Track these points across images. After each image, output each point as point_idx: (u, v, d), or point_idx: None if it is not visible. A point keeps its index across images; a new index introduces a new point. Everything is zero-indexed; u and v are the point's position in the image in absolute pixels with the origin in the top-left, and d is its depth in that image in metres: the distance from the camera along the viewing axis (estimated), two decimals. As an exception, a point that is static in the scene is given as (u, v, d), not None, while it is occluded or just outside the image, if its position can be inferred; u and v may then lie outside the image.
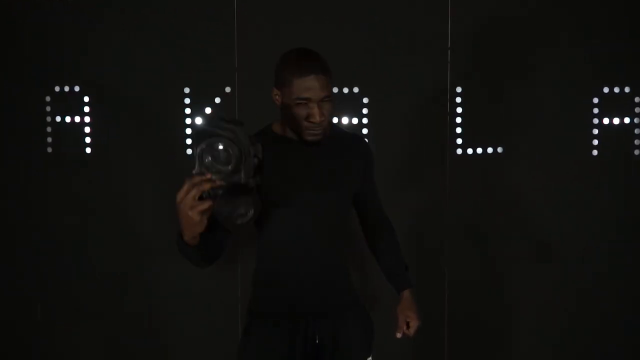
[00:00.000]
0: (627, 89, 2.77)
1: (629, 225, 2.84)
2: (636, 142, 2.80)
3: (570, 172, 2.81)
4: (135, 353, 2.94)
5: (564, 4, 2.76)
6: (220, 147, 1.29)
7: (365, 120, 2.80)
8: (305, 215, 1.68)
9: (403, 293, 1.90)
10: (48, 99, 2.84)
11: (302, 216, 1.68)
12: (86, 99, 2.83)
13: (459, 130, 2.81)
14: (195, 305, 2.87)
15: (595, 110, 2.79)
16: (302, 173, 1.68)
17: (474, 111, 2.80)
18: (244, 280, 2.84)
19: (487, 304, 2.90)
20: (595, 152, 2.80)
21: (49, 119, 2.85)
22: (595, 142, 2.80)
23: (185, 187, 1.28)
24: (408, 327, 1.87)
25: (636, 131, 2.79)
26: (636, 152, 2.80)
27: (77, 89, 2.83)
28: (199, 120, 2.80)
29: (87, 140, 2.85)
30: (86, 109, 2.84)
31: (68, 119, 2.85)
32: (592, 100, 2.78)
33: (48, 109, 2.85)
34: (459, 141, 2.81)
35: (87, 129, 2.85)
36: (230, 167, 1.30)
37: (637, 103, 2.78)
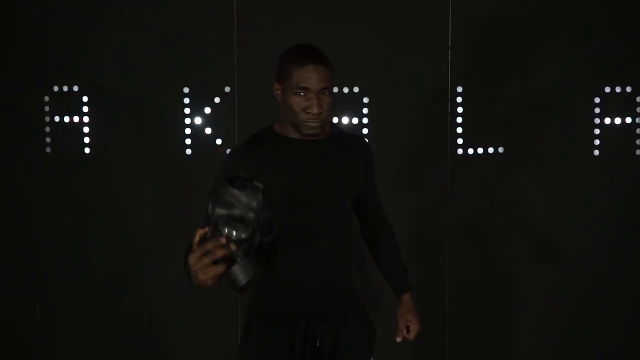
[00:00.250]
0: (628, 89, 2.77)
1: (629, 225, 2.84)
2: (637, 142, 2.79)
3: (571, 172, 2.80)
4: (135, 353, 2.94)
5: (564, 4, 2.75)
6: (238, 217, 1.24)
7: (365, 120, 2.79)
8: (306, 215, 1.67)
9: (403, 297, 1.89)
10: (47, 98, 2.84)
11: (302, 216, 1.67)
12: (85, 98, 2.83)
13: (459, 130, 2.81)
14: (195, 305, 2.86)
15: (597, 110, 2.78)
16: (303, 173, 1.67)
17: (474, 111, 2.80)
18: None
19: (488, 304, 2.89)
20: (596, 152, 2.80)
21: (47, 118, 2.85)
22: (597, 142, 2.79)
23: (198, 253, 1.23)
24: (408, 331, 1.86)
25: (637, 131, 2.79)
26: (637, 152, 2.80)
27: (76, 88, 2.83)
28: (198, 120, 2.79)
29: (87, 140, 2.85)
30: (85, 108, 2.83)
31: (67, 119, 2.85)
32: (593, 100, 2.78)
33: (47, 108, 2.85)
34: (460, 141, 2.81)
35: (86, 129, 2.84)
36: (245, 236, 1.24)
37: (638, 103, 2.77)
